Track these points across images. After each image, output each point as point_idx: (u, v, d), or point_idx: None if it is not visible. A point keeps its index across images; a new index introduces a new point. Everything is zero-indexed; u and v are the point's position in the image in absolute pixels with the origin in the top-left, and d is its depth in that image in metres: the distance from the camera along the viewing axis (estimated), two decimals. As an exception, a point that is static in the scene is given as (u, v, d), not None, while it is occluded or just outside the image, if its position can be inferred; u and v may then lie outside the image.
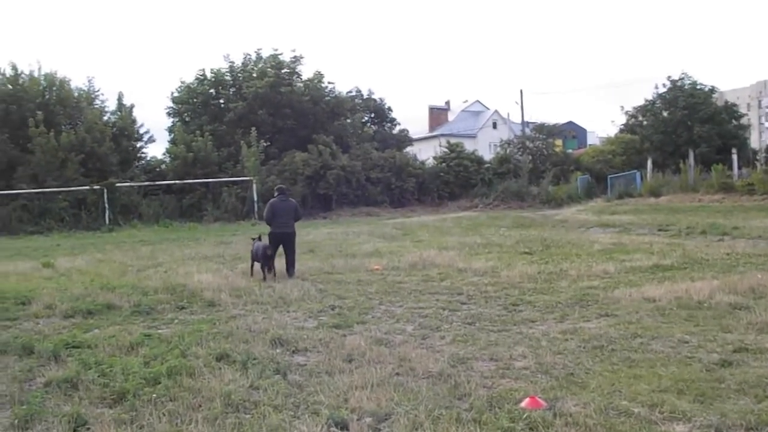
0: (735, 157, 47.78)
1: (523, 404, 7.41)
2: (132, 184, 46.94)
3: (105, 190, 44.29)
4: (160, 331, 11.99)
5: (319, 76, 57.14)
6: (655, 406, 7.31)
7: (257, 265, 18.81)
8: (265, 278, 18.02)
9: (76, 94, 51.28)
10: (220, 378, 8.63)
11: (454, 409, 7.41)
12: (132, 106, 53.44)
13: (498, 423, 6.95)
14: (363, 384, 8.23)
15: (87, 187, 44.36)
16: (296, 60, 56.57)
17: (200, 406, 7.73)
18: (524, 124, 69.73)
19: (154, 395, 8.01)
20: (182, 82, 57.61)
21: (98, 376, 8.82)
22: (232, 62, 57.60)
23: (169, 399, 7.96)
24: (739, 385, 7.93)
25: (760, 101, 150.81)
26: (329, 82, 58.32)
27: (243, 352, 9.87)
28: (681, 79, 60.50)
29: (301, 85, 56.12)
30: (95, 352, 10.23)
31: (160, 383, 8.44)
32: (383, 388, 8.06)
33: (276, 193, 20.32)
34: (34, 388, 8.73)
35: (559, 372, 8.72)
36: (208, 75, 57.13)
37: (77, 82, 79.47)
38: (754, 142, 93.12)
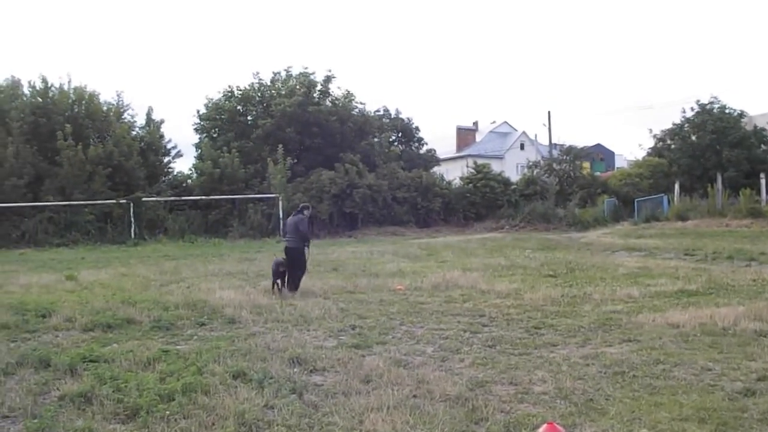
0: (763, 181, 47.28)
1: (540, 430, 7.27)
2: (158, 198, 47.15)
3: (131, 204, 44.53)
4: (178, 347, 11.94)
5: (349, 96, 57.31)
6: (676, 435, 7.18)
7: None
8: (272, 292, 18.57)
9: (105, 108, 51.61)
10: (235, 396, 8.55)
11: (470, 433, 7.31)
12: (161, 122, 53.97)
13: (514, 449, 6.85)
14: (379, 406, 8.13)
15: (113, 201, 44.68)
16: (328, 79, 56.74)
17: (213, 424, 7.67)
18: (552, 146, 69.47)
19: (168, 412, 7.96)
20: (209, 99, 57.86)
21: (113, 391, 8.78)
22: (261, 79, 57.93)
23: (183, 416, 7.90)
24: (763, 415, 7.80)
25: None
26: (358, 102, 58.60)
27: (260, 371, 9.79)
28: (710, 103, 60.19)
29: (330, 104, 56.21)
30: (111, 366, 10.19)
31: (174, 400, 8.39)
32: (399, 411, 7.96)
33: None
34: (48, 402, 8.69)
35: (579, 398, 8.60)
36: (236, 92, 57.34)
37: (107, 96, 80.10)
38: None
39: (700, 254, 27.97)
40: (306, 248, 19.62)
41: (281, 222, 45.60)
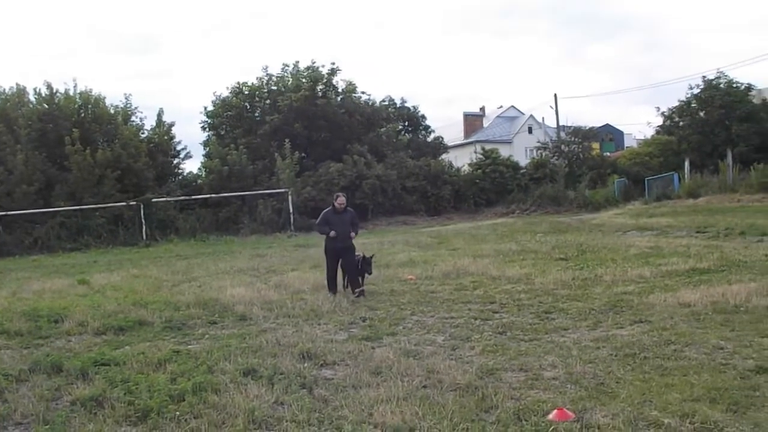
0: (775, 155, 47.08)
1: (550, 416, 7.29)
2: (168, 199, 47.19)
3: (141, 206, 44.54)
4: (189, 346, 11.95)
5: (352, 87, 57.22)
6: (686, 416, 7.16)
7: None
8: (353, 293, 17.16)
9: (112, 111, 51.61)
10: (246, 394, 8.55)
11: (479, 422, 7.31)
12: (172, 124, 54.05)
13: (523, 436, 6.84)
14: (389, 398, 8.13)
15: (124, 203, 44.71)
16: (333, 72, 56.71)
17: (223, 423, 7.68)
18: (559, 128, 69.27)
19: (178, 413, 7.97)
20: (216, 96, 57.86)
21: (124, 394, 8.79)
22: (269, 74, 57.91)
23: (193, 416, 7.90)
24: (775, 393, 7.75)
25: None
26: (363, 92, 58.54)
27: (270, 367, 9.81)
28: (717, 78, 59.77)
29: (337, 97, 56.20)
30: (123, 369, 10.20)
31: (184, 400, 8.41)
32: (409, 402, 7.96)
33: None
34: (60, 407, 8.69)
35: (589, 382, 8.58)
36: (244, 88, 57.38)
37: (114, 99, 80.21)
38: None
39: (712, 231, 27.84)
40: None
41: (291, 217, 45.69)
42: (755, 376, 8.43)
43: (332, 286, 17.56)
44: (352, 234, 17.90)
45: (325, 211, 18.31)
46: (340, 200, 18.11)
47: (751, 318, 11.67)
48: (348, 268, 17.65)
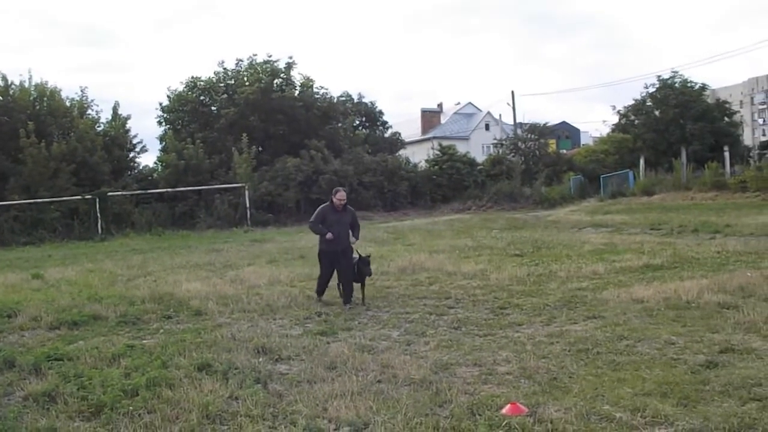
0: (727, 154, 47.61)
1: (504, 411, 7.34)
2: (124, 193, 46.73)
3: (97, 200, 44.05)
4: (144, 341, 11.88)
5: (309, 82, 57.04)
6: (638, 410, 7.24)
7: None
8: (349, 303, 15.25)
9: (68, 104, 51.08)
10: (200, 389, 8.52)
11: (433, 416, 7.34)
12: (128, 117, 53.49)
13: (477, 430, 6.90)
14: (343, 392, 8.15)
15: (79, 197, 44.15)
16: (289, 66, 56.54)
17: (177, 417, 7.64)
18: (516, 125, 69.60)
19: (132, 408, 7.90)
20: (172, 91, 57.44)
21: (77, 389, 8.71)
22: (226, 68, 57.60)
23: (147, 411, 7.86)
24: (724, 387, 7.86)
25: (752, 98, 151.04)
26: (321, 87, 58.39)
27: (225, 362, 9.77)
28: (671, 77, 60.43)
29: (294, 91, 55.99)
30: (76, 364, 10.12)
31: (138, 395, 8.35)
32: (363, 397, 7.99)
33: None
34: (12, 402, 8.61)
35: (542, 377, 8.65)
36: (198, 82, 57.05)
37: (70, 92, 79.20)
38: (747, 139, 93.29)
39: (665, 228, 28.19)
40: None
41: (248, 211, 45.56)
42: (705, 371, 8.54)
43: (322, 291, 15.70)
44: (352, 239, 15.54)
45: (321, 207, 15.76)
46: (340, 195, 15.45)
47: (702, 314, 11.82)
48: (344, 273, 15.32)
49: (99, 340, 11.95)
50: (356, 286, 15.33)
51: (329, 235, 15.03)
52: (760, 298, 12.84)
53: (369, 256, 15.80)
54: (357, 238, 15.75)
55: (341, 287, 15.42)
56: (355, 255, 15.55)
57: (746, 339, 9.98)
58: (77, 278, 21.25)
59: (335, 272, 15.53)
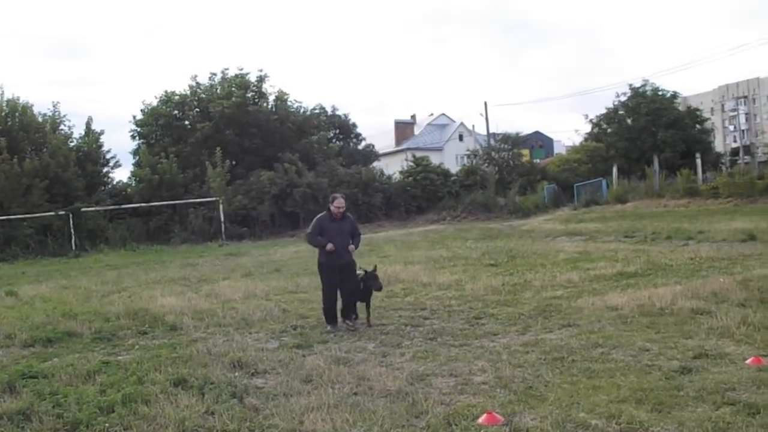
0: (699, 161, 47.95)
1: (480, 420, 7.35)
2: (98, 208, 46.63)
3: (70, 216, 43.82)
4: (119, 357, 11.81)
5: (283, 95, 57.07)
6: (613, 417, 7.25)
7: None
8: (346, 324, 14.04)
9: (40, 119, 50.86)
10: (176, 404, 8.47)
11: (410, 427, 7.35)
12: (101, 132, 53.47)
13: (453, 441, 6.90)
14: (319, 405, 8.13)
15: (52, 213, 43.95)
16: (261, 79, 56.58)
17: (153, 433, 7.61)
18: (490, 135, 69.85)
19: (107, 424, 7.85)
20: (146, 105, 57.20)
21: (52, 407, 8.63)
22: (199, 83, 57.56)
23: (123, 428, 7.81)
24: (698, 392, 7.90)
25: (723, 105, 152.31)
26: (295, 101, 58.52)
27: (201, 377, 9.72)
28: (642, 86, 60.84)
29: (268, 104, 55.99)
30: (51, 381, 10.03)
31: (114, 412, 8.28)
32: (339, 409, 7.96)
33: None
34: (-14, 422, 8.55)
35: (518, 386, 8.66)
36: (173, 97, 56.86)
37: (42, 107, 78.96)
38: (718, 145, 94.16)
39: (639, 236, 28.42)
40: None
41: (222, 225, 45.47)
42: (679, 377, 8.59)
43: (332, 316, 13.81)
44: (351, 247, 14.05)
45: (318, 217, 14.44)
46: (338, 203, 14.15)
47: (676, 320, 11.89)
48: (347, 289, 13.90)
49: (74, 357, 11.86)
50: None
51: (330, 246, 13.58)
52: (732, 303, 12.94)
53: (375, 269, 14.36)
54: (356, 247, 14.22)
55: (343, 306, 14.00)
56: (359, 271, 14.15)
57: (719, 344, 10.05)
58: (51, 295, 21.11)
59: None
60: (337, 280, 13.83)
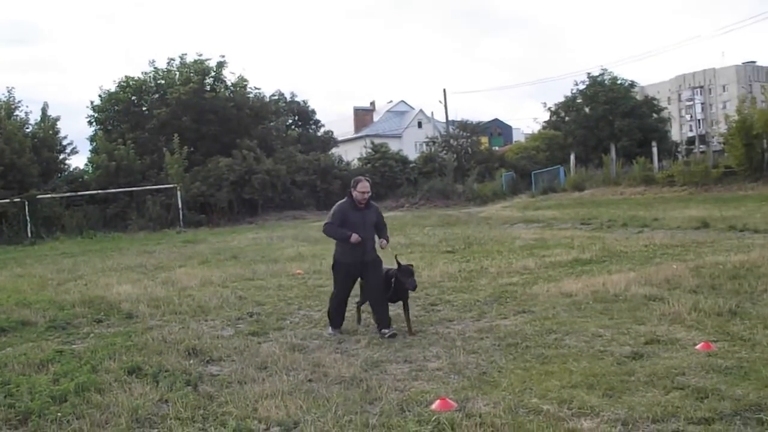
0: (655, 149, 48.47)
1: (433, 406, 7.37)
2: (54, 195, 46.21)
3: (26, 203, 43.42)
4: (74, 346, 11.69)
5: (242, 81, 56.82)
6: (565, 402, 7.31)
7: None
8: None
9: (-6, 105, 50.23)
10: (130, 392, 8.43)
11: (363, 414, 7.35)
12: (57, 118, 53.04)
13: (406, 427, 6.90)
14: (274, 392, 8.13)
15: (7, 200, 43.46)
16: (221, 65, 56.32)
17: (107, 422, 7.55)
18: (448, 122, 70.01)
19: (60, 414, 7.78)
20: (104, 90, 56.82)
21: (4, 397, 8.53)
22: (157, 68, 57.20)
23: (76, 417, 7.73)
24: (649, 378, 7.98)
25: (679, 95, 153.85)
26: (254, 87, 58.35)
27: (155, 365, 9.68)
28: (600, 75, 61.32)
29: (226, 90, 55.75)
30: (3, 371, 9.89)
31: (67, 401, 8.22)
32: (294, 396, 7.97)
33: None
34: (-63, 412, 8.45)
35: (472, 372, 8.71)
36: (130, 82, 56.40)
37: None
38: (675, 134, 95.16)
39: (595, 223, 28.66)
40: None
41: (180, 212, 45.25)
42: (631, 362, 8.67)
43: (338, 319, 11.96)
44: (383, 242, 12.07)
45: (339, 204, 12.14)
46: (363, 186, 11.91)
47: (629, 306, 11.99)
48: (373, 293, 11.85)
49: (27, 346, 11.73)
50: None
51: (355, 237, 11.44)
52: (685, 289, 13.08)
53: (411, 265, 12.18)
54: (388, 240, 12.20)
55: (360, 308, 12.54)
56: (388, 267, 12.09)
57: (671, 330, 10.16)
58: (6, 283, 20.88)
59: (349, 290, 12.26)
60: (354, 280, 12.17)
